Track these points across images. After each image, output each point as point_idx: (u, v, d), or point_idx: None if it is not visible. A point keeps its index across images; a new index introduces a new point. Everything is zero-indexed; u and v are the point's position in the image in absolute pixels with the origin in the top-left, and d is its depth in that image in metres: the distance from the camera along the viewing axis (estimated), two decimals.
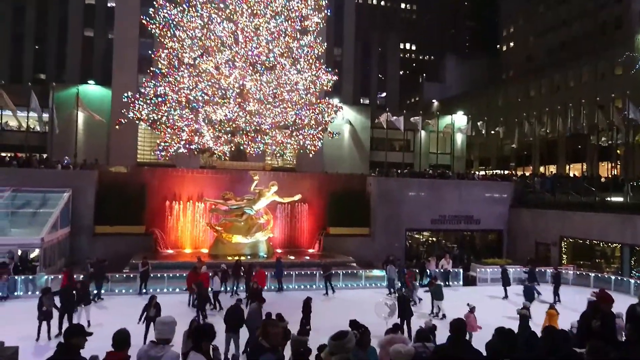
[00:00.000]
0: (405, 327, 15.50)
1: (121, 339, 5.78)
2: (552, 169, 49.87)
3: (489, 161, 58.14)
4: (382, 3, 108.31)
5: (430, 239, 35.59)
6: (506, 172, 48.27)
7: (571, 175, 44.36)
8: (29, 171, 28.17)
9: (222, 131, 30.92)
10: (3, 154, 32.74)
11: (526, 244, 32.98)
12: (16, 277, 21.49)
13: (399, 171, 38.25)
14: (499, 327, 6.07)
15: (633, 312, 8.78)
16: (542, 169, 51.35)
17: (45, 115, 35.97)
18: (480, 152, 58.91)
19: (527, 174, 45.82)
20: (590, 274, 27.01)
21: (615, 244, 28.57)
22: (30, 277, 21.80)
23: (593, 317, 7.61)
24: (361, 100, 60.63)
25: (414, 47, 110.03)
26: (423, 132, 45.86)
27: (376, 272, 26.27)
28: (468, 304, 16.14)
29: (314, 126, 32.39)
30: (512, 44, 75.33)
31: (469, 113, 53.83)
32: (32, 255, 23.83)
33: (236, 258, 25.33)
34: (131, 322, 13.12)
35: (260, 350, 5.73)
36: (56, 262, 25.11)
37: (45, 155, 35.38)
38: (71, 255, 27.16)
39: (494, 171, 50.16)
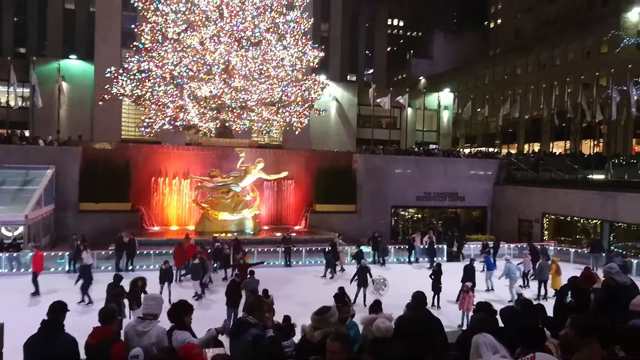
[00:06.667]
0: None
1: (107, 314, 5.87)
2: (537, 146, 50.34)
3: (474, 139, 58.46)
4: None
5: (416, 215, 35.96)
6: (492, 149, 48.61)
7: (555, 152, 44.81)
8: (11, 148, 27.70)
9: (208, 108, 30.61)
10: None
11: (509, 221, 33.51)
12: (0, 255, 21.39)
13: (385, 148, 38.33)
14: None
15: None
16: (526, 146, 51.78)
17: (27, 91, 35.24)
18: (467, 129, 59.12)
19: (513, 151, 46.23)
20: (570, 249, 27.60)
21: (595, 220, 29.10)
22: (14, 254, 21.68)
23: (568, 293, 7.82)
24: (348, 76, 60.12)
25: (401, 23, 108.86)
26: (409, 109, 45.83)
27: (363, 249, 26.44)
28: (465, 284, 15.51)
29: (300, 103, 32.24)
30: (499, 20, 74.85)
31: (456, 90, 53.87)
32: (16, 233, 23.65)
33: (229, 235, 25.45)
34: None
35: (244, 326, 5.82)
36: (41, 239, 24.95)
37: (27, 132, 34.80)
38: (56, 232, 27.02)
39: (480, 149, 50.47)
